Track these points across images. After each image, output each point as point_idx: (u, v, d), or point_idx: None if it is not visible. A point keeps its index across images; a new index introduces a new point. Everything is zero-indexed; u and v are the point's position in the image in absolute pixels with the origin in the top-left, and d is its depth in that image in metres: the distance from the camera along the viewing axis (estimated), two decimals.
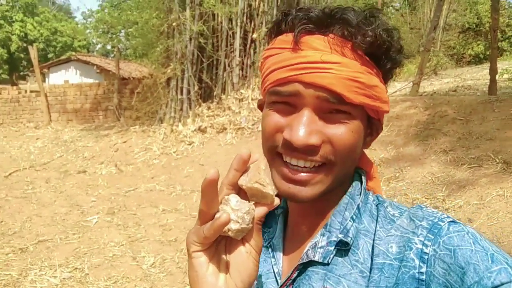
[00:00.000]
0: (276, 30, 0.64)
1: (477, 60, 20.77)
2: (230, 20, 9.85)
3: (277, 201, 0.56)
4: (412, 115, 6.35)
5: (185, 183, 6.92)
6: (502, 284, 0.46)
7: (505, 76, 9.72)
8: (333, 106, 0.58)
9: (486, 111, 5.73)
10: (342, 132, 0.59)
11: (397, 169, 5.15)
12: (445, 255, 0.51)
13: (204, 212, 0.53)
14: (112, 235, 4.84)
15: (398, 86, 9.52)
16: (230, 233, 0.53)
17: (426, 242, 0.54)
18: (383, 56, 0.60)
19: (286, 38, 0.61)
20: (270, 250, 0.72)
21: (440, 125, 5.89)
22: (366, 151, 0.71)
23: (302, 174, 0.60)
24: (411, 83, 8.39)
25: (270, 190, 0.54)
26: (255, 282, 0.71)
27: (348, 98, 0.57)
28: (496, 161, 4.59)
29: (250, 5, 9.83)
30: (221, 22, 9.92)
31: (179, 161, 7.94)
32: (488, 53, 19.48)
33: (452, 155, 5.07)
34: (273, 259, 0.70)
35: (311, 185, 0.60)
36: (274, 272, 0.69)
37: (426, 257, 0.53)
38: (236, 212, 0.53)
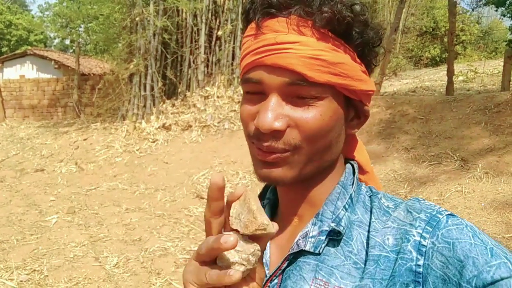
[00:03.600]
0: (246, 19, 0.63)
1: (433, 62, 21.62)
2: (195, 16, 9.74)
3: (276, 228, 0.52)
4: (374, 114, 6.51)
5: (149, 181, 6.77)
6: (502, 279, 0.45)
7: (460, 78, 10.18)
8: (299, 89, 0.57)
9: (444, 111, 5.96)
10: (310, 115, 0.57)
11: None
12: (443, 248, 0.51)
13: (210, 221, 0.50)
14: (73, 235, 4.66)
15: None
16: None
17: (424, 234, 0.53)
18: (349, 32, 0.58)
19: (253, 25, 0.60)
20: None
21: (401, 123, 6.08)
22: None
23: (272, 156, 0.59)
24: (373, 83, 8.60)
25: (271, 228, 0.50)
26: None
27: (310, 77, 0.56)
28: (454, 158, 4.78)
29: (215, 2, 9.78)
30: (186, 18, 9.80)
31: (143, 159, 7.77)
32: (444, 56, 20.31)
33: (413, 152, 5.24)
34: None
35: (281, 166, 0.59)
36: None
37: (423, 249, 0.52)
38: (240, 254, 0.48)
